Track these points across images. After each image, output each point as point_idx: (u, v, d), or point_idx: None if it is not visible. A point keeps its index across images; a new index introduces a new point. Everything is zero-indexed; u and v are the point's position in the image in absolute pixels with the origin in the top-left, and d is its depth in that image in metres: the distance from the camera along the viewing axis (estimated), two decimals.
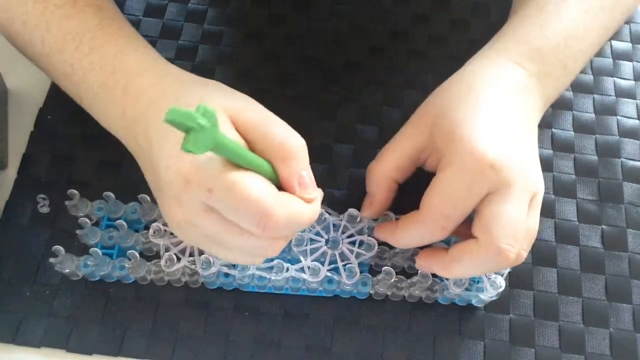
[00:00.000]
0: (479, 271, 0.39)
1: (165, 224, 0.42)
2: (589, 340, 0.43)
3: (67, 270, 0.42)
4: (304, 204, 0.34)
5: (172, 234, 0.42)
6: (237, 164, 0.32)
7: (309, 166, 0.35)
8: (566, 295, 0.45)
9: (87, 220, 0.43)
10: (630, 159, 0.50)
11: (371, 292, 0.43)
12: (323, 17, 0.55)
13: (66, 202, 0.44)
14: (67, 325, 0.42)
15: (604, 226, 0.47)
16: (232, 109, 0.34)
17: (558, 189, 0.48)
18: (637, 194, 0.48)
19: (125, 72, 0.38)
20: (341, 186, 0.48)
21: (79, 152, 0.48)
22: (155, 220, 0.43)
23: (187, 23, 0.54)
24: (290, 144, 0.34)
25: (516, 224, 0.37)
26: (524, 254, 0.38)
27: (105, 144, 0.47)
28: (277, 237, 0.34)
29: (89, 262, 0.42)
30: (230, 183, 0.31)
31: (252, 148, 0.34)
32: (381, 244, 0.43)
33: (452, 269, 0.39)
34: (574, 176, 0.49)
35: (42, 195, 0.43)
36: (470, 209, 0.37)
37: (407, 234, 0.39)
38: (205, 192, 0.31)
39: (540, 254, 0.46)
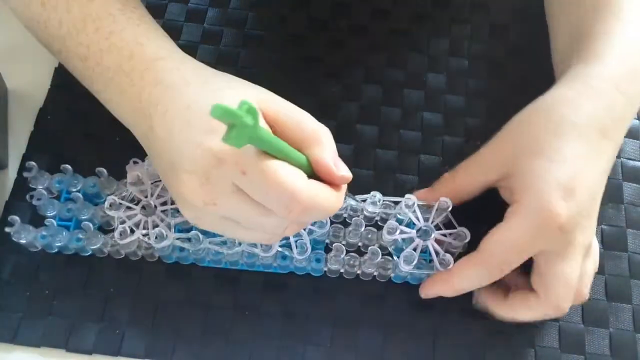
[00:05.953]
0: (531, 319, 0.41)
1: (122, 197, 0.42)
2: (589, 340, 0.43)
3: (24, 241, 0.42)
4: (332, 191, 0.35)
5: (128, 207, 0.42)
6: (272, 155, 0.32)
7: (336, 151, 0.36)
8: None
9: (43, 191, 0.44)
10: (630, 159, 0.50)
11: (325, 269, 0.43)
12: (323, 17, 0.55)
13: (24, 174, 0.44)
14: (67, 325, 0.42)
15: (604, 226, 0.47)
16: (261, 100, 0.35)
17: None
18: (637, 194, 0.48)
19: (143, 57, 0.38)
20: None
21: (79, 152, 0.48)
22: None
23: (187, 23, 0.54)
24: (321, 129, 0.35)
25: (573, 282, 0.39)
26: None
27: (105, 144, 0.47)
28: (299, 221, 0.36)
29: (44, 232, 0.42)
30: (264, 167, 0.32)
31: (282, 136, 0.34)
32: (334, 222, 0.44)
33: (509, 315, 0.41)
34: None
35: None
36: (528, 257, 0.39)
37: (465, 277, 0.40)
38: (239, 173, 0.32)
39: None
